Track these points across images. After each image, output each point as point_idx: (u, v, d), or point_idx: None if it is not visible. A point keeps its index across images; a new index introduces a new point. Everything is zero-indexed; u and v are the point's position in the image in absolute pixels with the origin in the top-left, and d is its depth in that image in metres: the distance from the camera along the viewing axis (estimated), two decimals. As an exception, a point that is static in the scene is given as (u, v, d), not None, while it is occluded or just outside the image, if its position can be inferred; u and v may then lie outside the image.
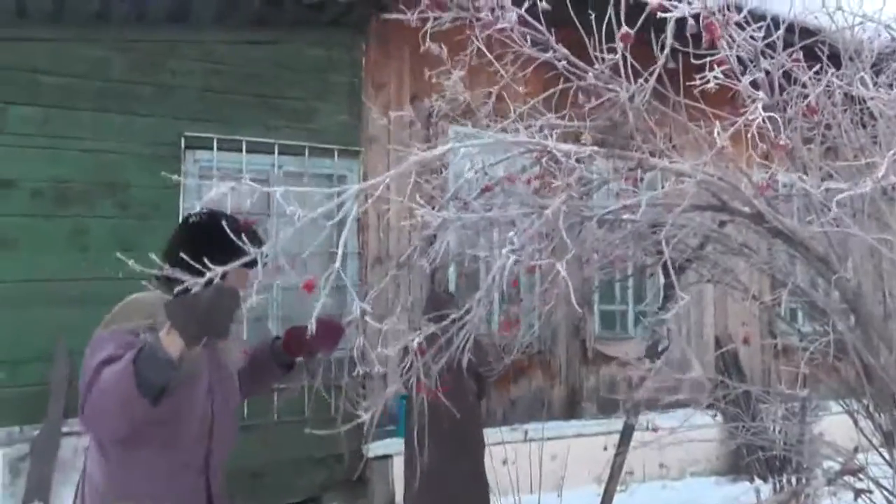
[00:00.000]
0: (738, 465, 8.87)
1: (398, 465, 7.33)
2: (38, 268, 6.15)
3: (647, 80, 2.56)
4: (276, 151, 7.10)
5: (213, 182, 6.86)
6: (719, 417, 6.79)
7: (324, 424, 7.03)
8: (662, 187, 3.20)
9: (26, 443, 5.70)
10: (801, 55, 2.89)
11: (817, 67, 2.96)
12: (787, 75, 2.89)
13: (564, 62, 2.67)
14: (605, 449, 6.47)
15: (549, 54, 2.62)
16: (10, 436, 5.73)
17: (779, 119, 2.50)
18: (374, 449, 7.30)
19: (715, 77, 2.46)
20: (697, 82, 2.50)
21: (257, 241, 2.78)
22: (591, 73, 2.59)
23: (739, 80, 2.63)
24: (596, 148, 2.48)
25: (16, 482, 5.63)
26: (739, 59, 2.69)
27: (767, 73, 2.77)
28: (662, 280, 5.94)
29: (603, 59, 2.58)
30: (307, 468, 7.06)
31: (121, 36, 6.43)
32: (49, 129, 6.31)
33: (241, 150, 6.96)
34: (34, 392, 5.96)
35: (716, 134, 2.48)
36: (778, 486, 7.18)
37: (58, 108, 6.34)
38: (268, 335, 3.43)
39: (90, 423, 2.48)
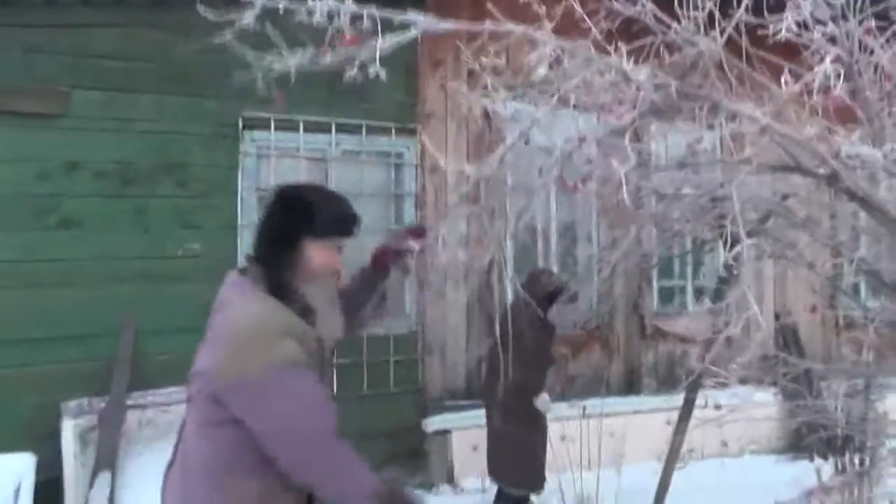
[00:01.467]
0: (798, 443, 8.75)
1: (457, 440, 7.38)
2: (103, 246, 6.27)
3: (722, 33, 2.54)
4: (334, 130, 7.14)
5: (271, 161, 6.95)
6: (780, 395, 6.71)
7: (383, 398, 7.17)
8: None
9: (94, 414, 5.85)
10: (871, 22, 2.83)
11: (889, 34, 2.90)
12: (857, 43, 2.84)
13: (651, 17, 2.65)
14: (668, 423, 6.41)
15: (637, 9, 2.60)
16: (79, 407, 5.90)
17: (847, 78, 2.46)
18: (434, 423, 7.36)
19: (787, 29, 2.44)
20: (769, 35, 2.49)
21: (354, 215, 2.86)
22: (675, 28, 2.56)
23: (810, 40, 2.60)
24: (672, 80, 2.46)
25: (86, 451, 5.82)
26: (805, 24, 2.65)
27: (834, 39, 2.72)
28: (722, 255, 5.87)
29: (687, 17, 2.56)
30: (368, 442, 7.08)
31: (182, 19, 6.52)
32: (112, 112, 6.43)
33: (298, 130, 7.01)
34: (101, 366, 6.10)
35: (783, 84, 2.45)
36: (840, 465, 7.07)
37: (121, 92, 6.44)
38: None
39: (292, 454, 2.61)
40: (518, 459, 6.05)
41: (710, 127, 2.81)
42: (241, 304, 2.60)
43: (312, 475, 2.61)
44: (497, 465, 6.18)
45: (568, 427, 6.56)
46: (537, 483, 6.14)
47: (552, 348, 6.41)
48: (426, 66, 7.47)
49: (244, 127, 6.84)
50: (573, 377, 8.10)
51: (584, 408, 7.31)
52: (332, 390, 2.98)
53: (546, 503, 6.47)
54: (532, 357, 5.85)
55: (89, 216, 6.33)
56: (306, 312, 2.67)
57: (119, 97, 6.46)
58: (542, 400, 6.10)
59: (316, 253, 2.71)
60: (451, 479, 7.39)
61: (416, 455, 7.37)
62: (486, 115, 7.45)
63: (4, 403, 5.99)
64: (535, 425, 6.09)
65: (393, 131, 7.36)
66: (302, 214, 2.72)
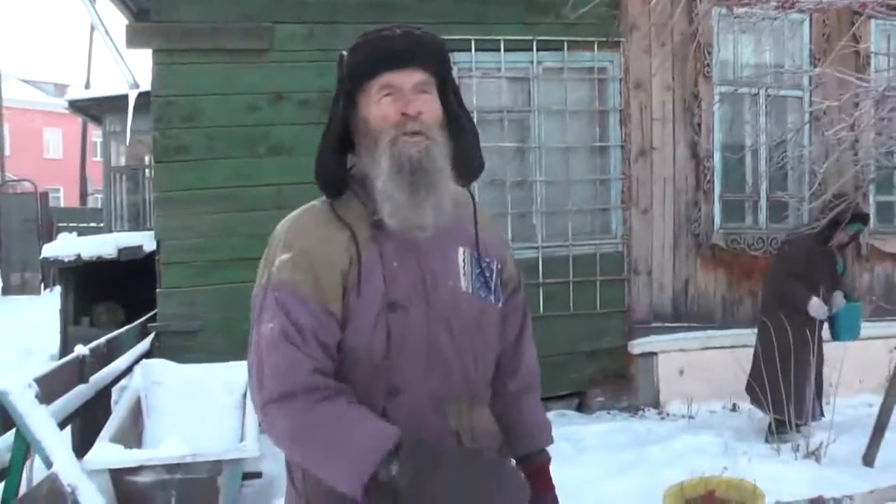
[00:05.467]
0: None
1: (663, 363, 7.26)
2: (310, 172, 6.40)
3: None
4: (535, 48, 7.03)
5: (473, 82, 6.93)
6: None
7: (589, 318, 7.13)
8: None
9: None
10: None
11: None
12: None
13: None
14: (893, 351, 6.03)
15: None
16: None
17: None
18: (640, 345, 7.27)
19: None
20: None
21: (393, 36, 1.94)
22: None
23: None
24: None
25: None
26: None
27: None
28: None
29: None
30: (574, 362, 7.15)
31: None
32: (314, 44, 6.65)
33: (498, 50, 6.95)
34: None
35: None
36: None
37: (321, 24, 6.62)
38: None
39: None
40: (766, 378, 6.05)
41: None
42: None
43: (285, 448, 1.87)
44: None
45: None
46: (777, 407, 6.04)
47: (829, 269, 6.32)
48: (627, -25, 7.22)
49: (445, 49, 6.83)
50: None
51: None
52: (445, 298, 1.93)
53: (755, 433, 6.29)
54: (796, 271, 6.08)
55: (296, 143, 6.56)
56: (374, 203, 1.90)
57: (319, 29, 6.65)
58: (814, 304, 6.05)
59: (369, 109, 1.91)
60: (656, 404, 7.30)
61: (622, 377, 7.32)
62: (692, 23, 7.16)
63: (230, 317, 6.25)
64: (795, 346, 6.00)
65: (595, 45, 7.16)
66: (340, 72, 1.96)
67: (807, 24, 7.64)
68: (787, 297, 6.15)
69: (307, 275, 1.85)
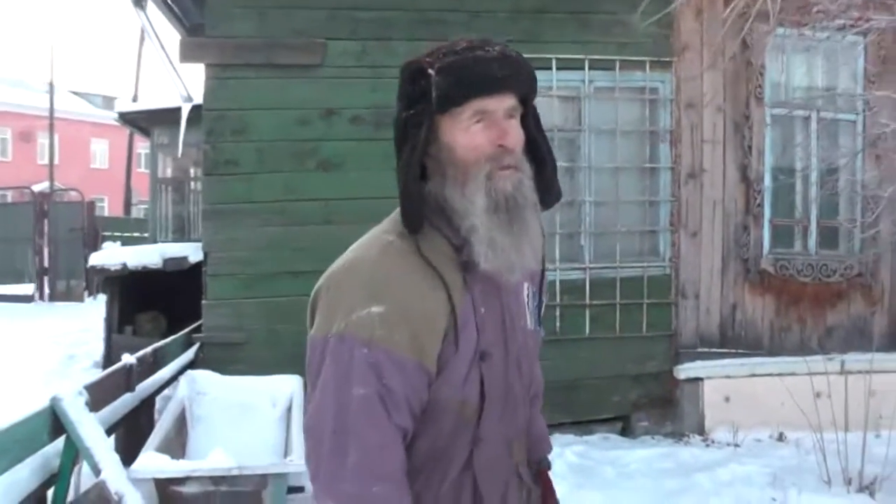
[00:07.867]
0: None
1: (709, 389, 7.15)
2: (360, 187, 6.47)
3: None
4: (587, 67, 7.01)
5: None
6: None
7: (635, 341, 7.06)
8: None
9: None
10: None
11: None
12: None
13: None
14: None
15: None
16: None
17: None
18: (686, 370, 7.16)
19: None
20: None
21: (494, 58, 1.73)
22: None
23: None
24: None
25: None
26: None
27: None
28: None
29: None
30: (619, 386, 7.09)
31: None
32: (366, 60, 6.72)
33: (550, 68, 6.92)
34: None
35: None
36: None
37: (373, 41, 6.67)
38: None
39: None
40: None
41: None
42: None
43: None
44: None
45: (823, 382, 6.13)
46: None
47: None
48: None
49: (497, 68, 6.83)
50: (830, 329, 7.61)
51: (843, 362, 6.90)
52: (529, 345, 1.90)
53: (803, 464, 6.13)
54: None
55: (345, 159, 6.64)
56: (461, 241, 1.74)
57: (372, 45, 6.71)
58: None
59: (455, 136, 1.73)
60: (701, 430, 7.17)
61: (668, 402, 7.22)
62: (745, 44, 7.08)
63: (276, 330, 6.42)
64: None
65: (647, 65, 7.11)
66: (419, 90, 1.74)
67: (862, 45, 7.51)
68: None
69: (403, 331, 1.67)
